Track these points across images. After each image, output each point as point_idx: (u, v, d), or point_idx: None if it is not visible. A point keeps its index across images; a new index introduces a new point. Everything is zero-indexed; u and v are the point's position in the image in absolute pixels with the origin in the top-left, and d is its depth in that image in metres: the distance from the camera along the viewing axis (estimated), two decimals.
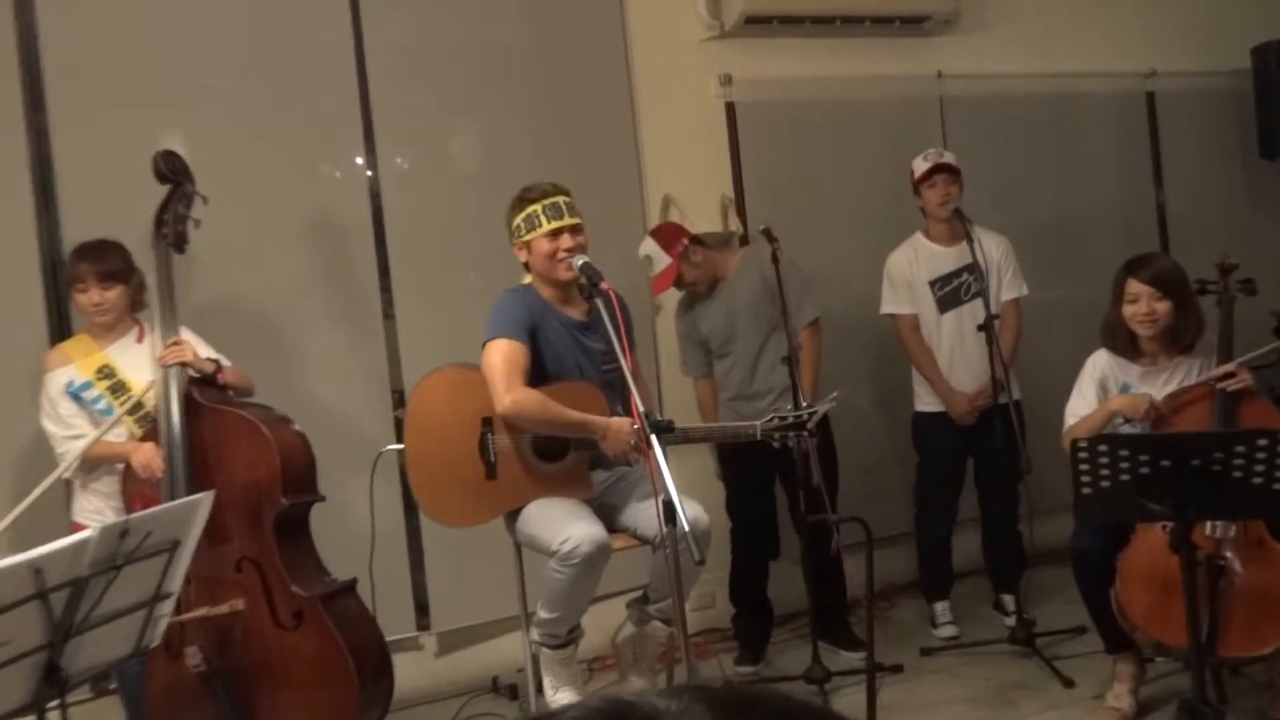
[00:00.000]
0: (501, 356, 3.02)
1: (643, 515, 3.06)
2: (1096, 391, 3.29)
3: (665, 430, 2.59)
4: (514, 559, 3.28)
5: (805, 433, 3.03)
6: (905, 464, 4.29)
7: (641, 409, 2.60)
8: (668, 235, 3.86)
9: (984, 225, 3.98)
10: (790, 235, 3.78)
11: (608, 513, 3.16)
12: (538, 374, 3.09)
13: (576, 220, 3.13)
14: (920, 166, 4.02)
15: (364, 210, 3.97)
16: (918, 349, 4.10)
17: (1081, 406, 3.30)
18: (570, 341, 3.17)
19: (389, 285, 3.99)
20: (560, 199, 3.13)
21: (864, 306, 4.27)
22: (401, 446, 3.21)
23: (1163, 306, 3.19)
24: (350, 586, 3.14)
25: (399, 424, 3.72)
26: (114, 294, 3.18)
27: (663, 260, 3.82)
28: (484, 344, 3.07)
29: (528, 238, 3.13)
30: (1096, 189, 5.10)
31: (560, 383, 3.11)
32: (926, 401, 4.14)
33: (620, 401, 3.14)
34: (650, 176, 4.37)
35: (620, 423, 3.02)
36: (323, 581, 3.09)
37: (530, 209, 3.12)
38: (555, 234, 3.10)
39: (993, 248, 4.01)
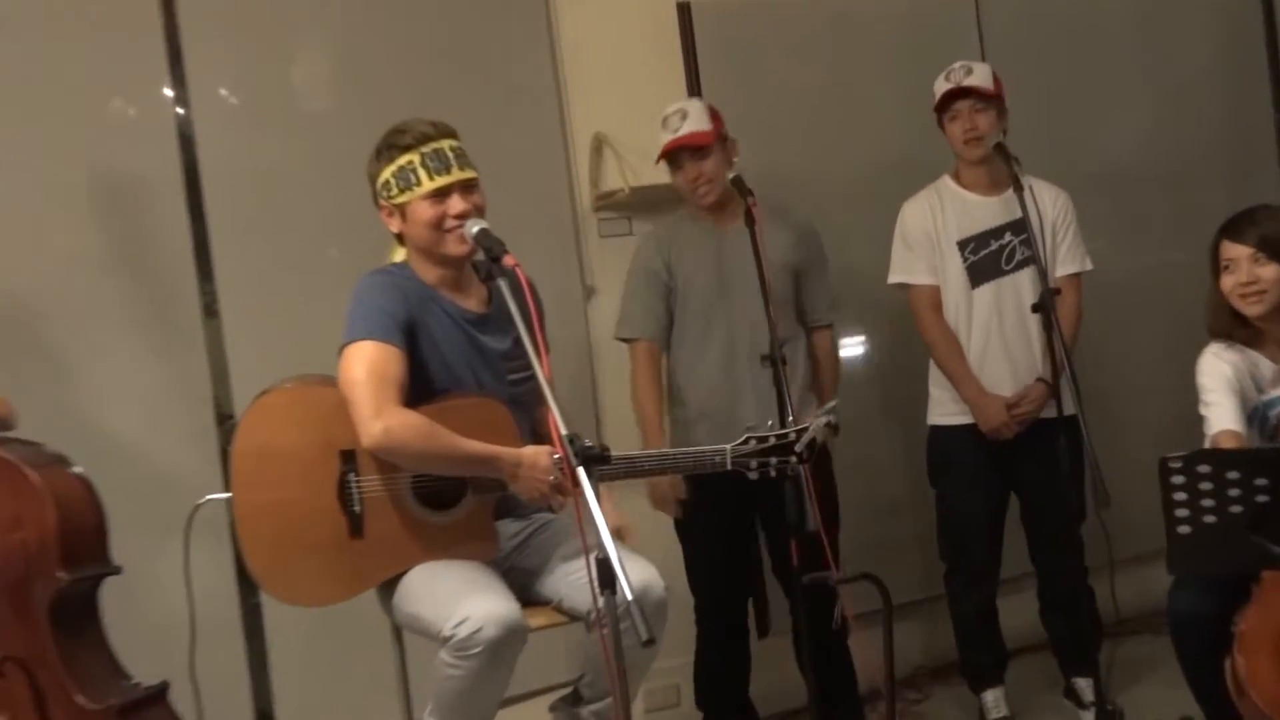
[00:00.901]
0: (367, 366, 3.00)
1: (569, 581, 3.06)
2: (1234, 400, 3.28)
3: (599, 461, 2.58)
4: (392, 648, 3.26)
5: (794, 458, 3.04)
6: (932, 500, 4.31)
7: (564, 432, 2.60)
8: (714, 111, 3.95)
9: (1034, 171, 3.97)
10: (770, 186, 3.79)
11: (521, 578, 3.16)
12: (419, 388, 3.08)
13: (470, 174, 3.12)
14: (940, 89, 4.04)
15: (172, 163, 3.95)
16: (938, 334, 4.11)
17: (1227, 422, 3.26)
18: (462, 341, 3.16)
19: (210, 269, 3.97)
20: (445, 144, 3.12)
21: (873, 284, 4.30)
22: (229, 495, 3.18)
23: (1268, 272, 3.26)
24: (160, 693, 3.12)
25: (227, 462, 3.69)
26: None
27: (701, 120, 3.88)
28: (341, 349, 3.05)
29: (401, 199, 3.12)
30: (1193, 116, 5.18)
31: (450, 399, 3.11)
32: (948, 410, 4.15)
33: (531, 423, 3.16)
34: (575, 108, 4.38)
35: (536, 453, 3.02)
36: (120, 687, 3.07)
37: (404, 159, 3.10)
38: (441, 194, 3.09)
39: (1047, 203, 3.98)
